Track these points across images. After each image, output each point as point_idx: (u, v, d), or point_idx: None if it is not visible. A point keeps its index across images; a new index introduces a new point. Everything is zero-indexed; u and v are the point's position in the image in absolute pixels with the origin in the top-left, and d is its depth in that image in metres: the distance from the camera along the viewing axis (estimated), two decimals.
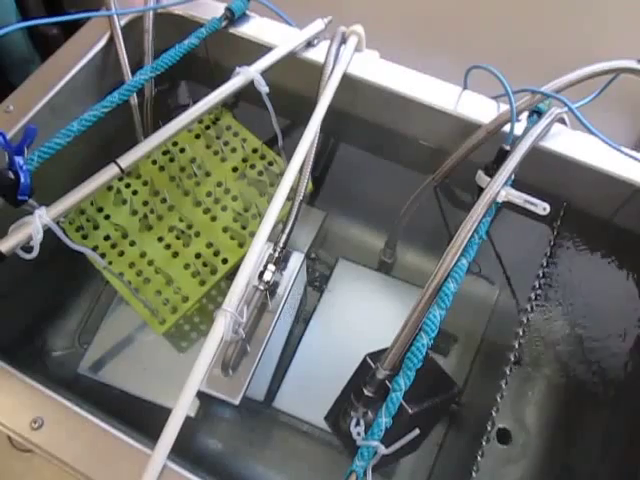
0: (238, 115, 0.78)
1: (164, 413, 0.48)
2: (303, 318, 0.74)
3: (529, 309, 0.64)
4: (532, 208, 0.56)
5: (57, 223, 0.55)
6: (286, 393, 0.69)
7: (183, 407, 0.48)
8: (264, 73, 0.66)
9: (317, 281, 0.77)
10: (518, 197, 0.56)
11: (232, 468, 0.68)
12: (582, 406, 0.68)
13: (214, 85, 0.64)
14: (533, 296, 0.64)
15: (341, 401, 0.59)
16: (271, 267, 0.60)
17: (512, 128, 0.58)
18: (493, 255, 0.75)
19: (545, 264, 0.63)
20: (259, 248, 0.55)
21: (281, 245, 0.61)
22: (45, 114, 0.64)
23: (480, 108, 0.65)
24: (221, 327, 0.51)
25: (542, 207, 0.56)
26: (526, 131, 0.60)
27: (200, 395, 0.60)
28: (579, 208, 0.66)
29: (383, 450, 0.47)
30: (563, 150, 0.62)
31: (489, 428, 0.59)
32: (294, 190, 0.63)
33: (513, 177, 0.59)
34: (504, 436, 0.67)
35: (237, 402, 0.58)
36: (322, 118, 0.62)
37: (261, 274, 0.60)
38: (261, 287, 0.60)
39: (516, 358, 0.64)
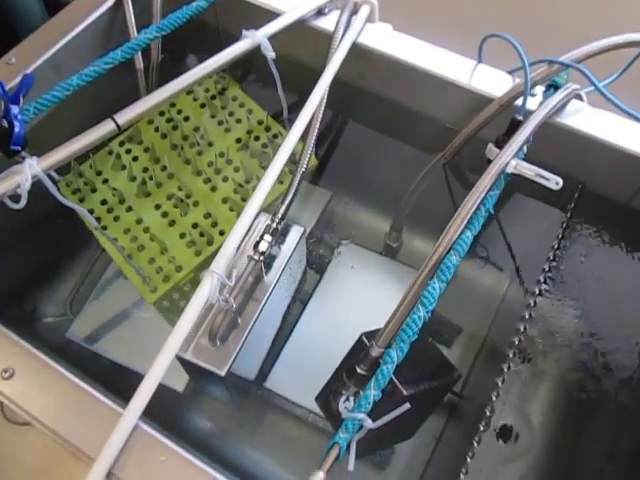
0: (247, 89, 0.76)
1: None
2: (301, 299, 0.71)
3: (532, 304, 0.61)
4: (544, 182, 0.53)
5: (53, 181, 0.54)
6: (278, 374, 0.66)
7: (160, 367, 0.45)
8: (274, 43, 0.64)
9: (319, 263, 0.74)
10: (529, 170, 0.53)
11: (220, 448, 0.65)
12: (591, 405, 0.64)
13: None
14: (537, 291, 0.60)
15: (333, 381, 0.56)
16: (267, 237, 0.58)
17: (525, 96, 0.55)
18: (503, 244, 0.72)
19: (556, 246, 0.60)
20: (253, 211, 0.53)
21: (279, 216, 0.59)
22: (47, 69, 0.63)
23: (495, 82, 0.62)
24: (207, 288, 0.49)
25: (555, 181, 0.53)
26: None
27: (188, 369, 0.58)
28: (595, 191, 0.63)
29: (369, 423, 0.44)
30: (579, 126, 0.59)
31: (482, 427, 0.56)
32: (297, 163, 0.61)
33: (525, 151, 0.56)
34: (507, 433, 0.64)
35: (223, 373, 0.55)
36: (328, 84, 0.60)
37: (257, 244, 0.57)
38: (256, 257, 0.57)
39: (515, 354, 0.61)
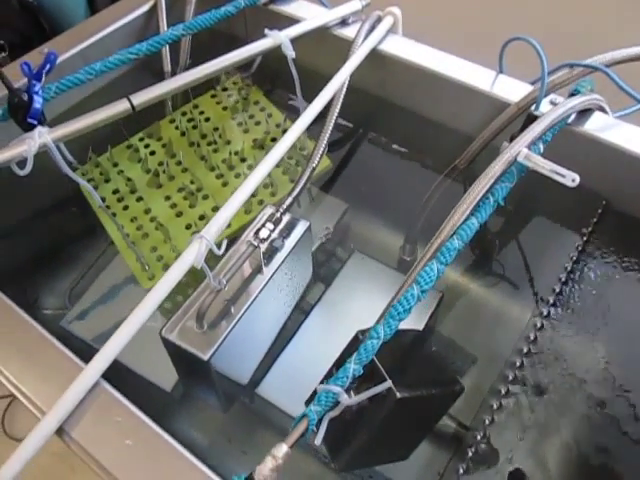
0: (271, 99, 0.77)
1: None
2: (304, 309, 0.68)
3: (544, 313, 0.56)
4: (559, 179, 0.50)
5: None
6: (272, 381, 0.62)
7: (135, 322, 0.43)
8: (297, 52, 0.65)
9: (328, 275, 0.71)
10: (544, 164, 0.50)
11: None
12: (617, 454, 0.56)
13: (252, 65, 0.64)
14: (551, 300, 0.55)
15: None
16: (269, 225, 0.56)
17: (542, 91, 0.53)
18: (525, 273, 0.67)
19: (575, 258, 0.55)
20: (252, 184, 0.52)
21: (284, 207, 0.58)
22: (77, 62, 0.66)
23: (517, 92, 0.61)
24: (194, 253, 0.47)
25: (571, 178, 0.49)
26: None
27: (173, 355, 0.55)
28: (620, 209, 0.58)
29: (345, 399, 0.39)
30: (605, 136, 0.56)
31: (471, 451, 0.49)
32: (308, 159, 0.61)
33: (542, 150, 0.53)
34: (518, 478, 0.57)
35: (206, 357, 0.51)
36: (345, 80, 0.60)
37: (257, 231, 0.56)
38: (255, 243, 0.56)
39: (514, 378, 0.55)
